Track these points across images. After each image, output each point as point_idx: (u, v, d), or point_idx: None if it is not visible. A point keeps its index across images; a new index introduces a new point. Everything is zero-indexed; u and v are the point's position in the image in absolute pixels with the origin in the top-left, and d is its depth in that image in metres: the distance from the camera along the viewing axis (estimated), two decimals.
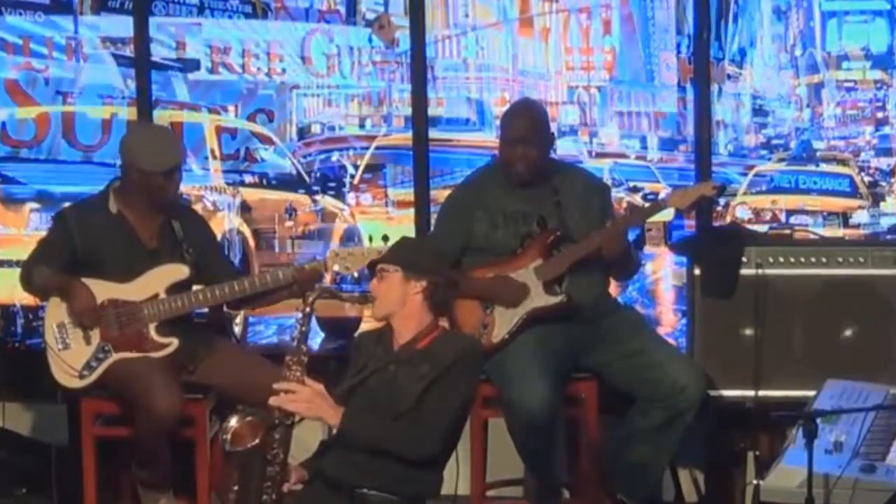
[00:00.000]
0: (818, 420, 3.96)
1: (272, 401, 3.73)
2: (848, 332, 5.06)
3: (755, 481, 4.49)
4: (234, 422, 3.78)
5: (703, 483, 5.26)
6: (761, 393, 5.03)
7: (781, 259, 5.12)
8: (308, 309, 3.86)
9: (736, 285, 5.08)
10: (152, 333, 4.67)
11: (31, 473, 5.35)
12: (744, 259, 5.11)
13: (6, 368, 5.80)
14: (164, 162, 4.68)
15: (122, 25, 7.14)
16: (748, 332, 5.07)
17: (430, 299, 3.81)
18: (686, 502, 5.25)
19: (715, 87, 5.84)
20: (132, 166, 4.70)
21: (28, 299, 5.91)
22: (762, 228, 5.92)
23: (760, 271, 5.09)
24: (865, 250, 5.18)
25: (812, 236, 5.79)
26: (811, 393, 4.64)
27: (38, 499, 5.30)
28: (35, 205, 8.63)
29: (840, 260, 5.13)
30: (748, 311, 5.06)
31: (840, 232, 6.14)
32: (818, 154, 6.88)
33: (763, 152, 6.90)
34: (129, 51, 7.09)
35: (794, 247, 5.30)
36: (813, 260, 5.13)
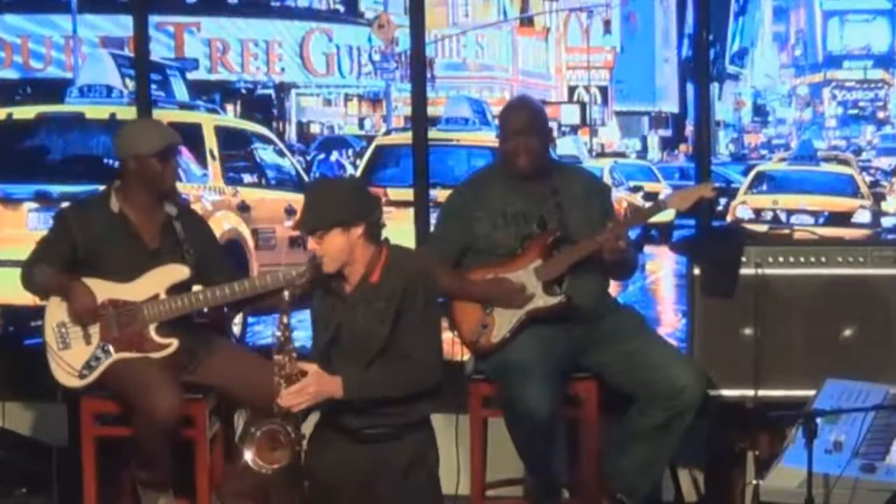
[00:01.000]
0: (818, 420, 3.96)
1: (284, 403, 3.84)
2: (847, 332, 5.07)
3: (755, 481, 4.49)
4: (248, 456, 3.87)
5: (703, 483, 5.27)
6: (761, 393, 5.04)
7: (781, 259, 5.12)
8: (288, 306, 3.94)
9: (736, 285, 5.09)
10: (152, 334, 4.67)
11: (31, 473, 5.34)
12: (743, 259, 5.11)
13: (6, 368, 5.81)
14: (158, 143, 4.70)
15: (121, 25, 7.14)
16: (748, 331, 5.07)
17: (370, 235, 3.97)
18: (686, 502, 5.26)
19: (715, 87, 5.78)
20: (128, 156, 4.72)
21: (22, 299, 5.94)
22: (762, 228, 5.94)
23: (760, 271, 5.09)
24: (865, 250, 5.16)
25: (812, 236, 5.77)
26: (811, 393, 4.65)
27: (37, 498, 5.29)
28: (33, 204, 8.68)
29: (840, 260, 5.13)
30: (748, 310, 5.07)
31: (841, 232, 6.17)
32: (819, 153, 6.82)
33: (763, 152, 6.86)
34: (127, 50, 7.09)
35: (794, 247, 5.28)
36: (812, 260, 5.13)
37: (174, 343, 4.68)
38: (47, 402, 5.24)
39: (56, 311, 4.71)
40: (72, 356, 4.68)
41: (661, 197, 4.96)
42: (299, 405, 3.86)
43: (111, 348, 4.67)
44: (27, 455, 5.41)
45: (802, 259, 5.13)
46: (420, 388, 3.97)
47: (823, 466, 4.05)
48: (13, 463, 5.39)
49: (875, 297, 5.09)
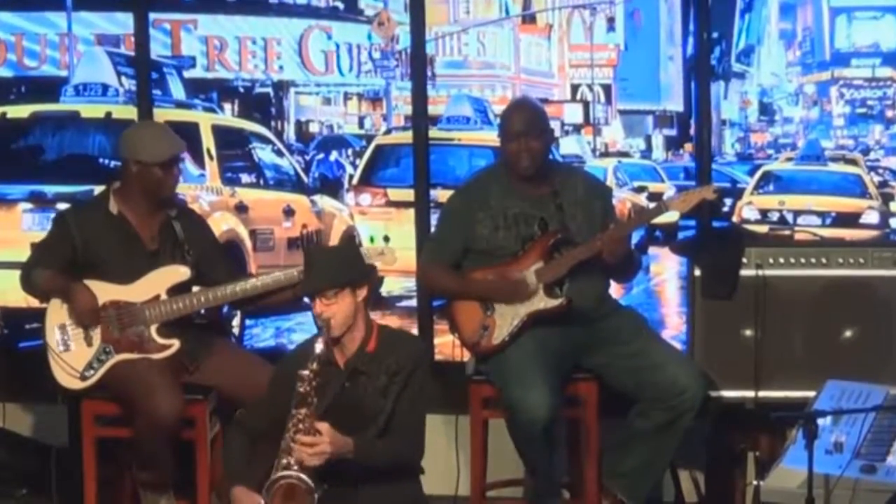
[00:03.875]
0: (818, 420, 4.01)
1: (306, 461, 3.91)
2: (848, 333, 5.13)
3: (755, 482, 4.56)
4: None
5: (704, 484, 5.31)
6: (761, 394, 5.10)
7: (782, 260, 5.17)
8: (313, 374, 3.98)
9: (736, 286, 5.15)
10: (153, 335, 4.74)
11: (32, 474, 5.41)
12: (744, 260, 5.17)
13: (6, 369, 5.86)
14: (163, 152, 4.75)
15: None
16: (748, 332, 5.13)
17: (369, 301, 4.10)
18: (686, 503, 5.31)
19: (721, 85, 5.83)
20: (131, 159, 4.77)
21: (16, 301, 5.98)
22: (763, 229, 6.00)
23: (761, 272, 5.14)
24: (865, 251, 5.21)
25: (812, 237, 5.83)
26: (811, 393, 4.70)
27: (38, 499, 5.35)
28: (28, 205, 8.69)
29: (840, 261, 5.18)
30: (748, 311, 5.12)
31: (849, 233, 6.22)
32: (826, 153, 6.87)
33: (770, 151, 6.91)
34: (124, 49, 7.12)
35: (795, 248, 5.36)
36: (813, 261, 5.18)
37: (175, 344, 4.74)
38: (48, 403, 5.28)
39: (57, 313, 4.77)
40: (73, 358, 4.74)
41: (665, 198, 5.02)
42: (314, 461, 3.93)
43: (112, 349, 4.73)
44: (28, 456, 5.48)
45: (803, 260, 5.18)
46: (408, 461, 4.13)
47: (824, 467, 4.08)
48: (14, 464, 5.46)
49: (876, 298, 5.14)
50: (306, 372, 3.96)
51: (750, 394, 5.12)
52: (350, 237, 3.75)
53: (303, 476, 3.90)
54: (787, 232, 5.96)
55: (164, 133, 4.93)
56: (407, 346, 4.18)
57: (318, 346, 4.00)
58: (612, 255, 4.68)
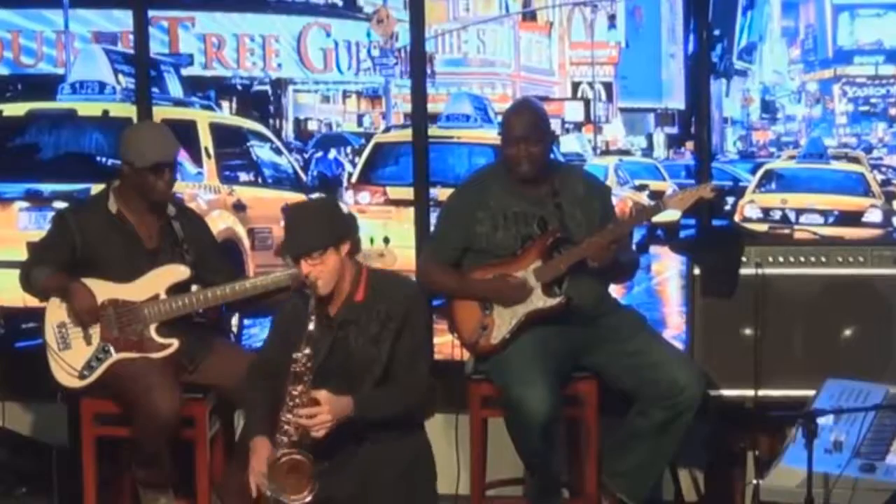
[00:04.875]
0: (818, 419, 4.04)
1: (311, 428, 3.95)
2: (848, 332, 5.15)
3: (755, 481, 4.57)
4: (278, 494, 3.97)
5: (703, 483, 5.34)
6: (761, 392, 5.12)
7: (781, 259, 5.19)
8: (306, 357, 4.00)
9: (736, 285, 5.16)
10: (153, 334, 4.75)
11: (32, 473, 5.42)
12: (743, 259, 5.19)
13: (6, 368, 5.86)
14: (151, 157, 4.74)
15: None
16: (748, 331, 5.15)
17: (353, 253, 4.12)
18: (686, 502, 5.33)
19: (723, 83, 5.83)
20: (124, 161, 4.79)
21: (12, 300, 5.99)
22: (763, 227, 6.01)
23: (760, 271, 5.16)
24: (865, 250, 5.23)
25: (812, 236, 5.85)
26: (811, 392, 4.72)
27: (38, 499, 5.36)
28: (24, 203, 8.69)
29: (840, 259, 5.20)
30: (748, 310, 5.14)
31: (852, 231, 6.24)
32: (829, 151, 6.88)
33: (772, 149, 6.92)
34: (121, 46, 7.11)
35: (794, 246, 5.36)
36: (813, 259, 5.20)
37: (175, 343, 4.76)
38: (47, 402, 5.27)
39: (56, 312, 4.78)
40: (72, 356, 4.76)
41: (663, 197, 5.03)
42: (319, 433, 3.97)
43: (111, 348, 4.74)
44: (27, 455, 5.49)
45: (803, 259, 5.20)
46: (413, 408, 4.15)
47: (823, 466, 4.11)
48: (13, 463, 5.47)
49: (875, 296, 5.16)
50: (299, 354, 3.98)
51: (749, 393, 5.14)
52: (327, 194, 3.73)
53: (304, 454, 3.93)
54: (786, 230, 5.96)
55: (157, 136, 4.90)
56: (398, 291, 4.17)
57: (311, 326, 3.99)
58: (596, 260, 4.70)
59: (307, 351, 3.99)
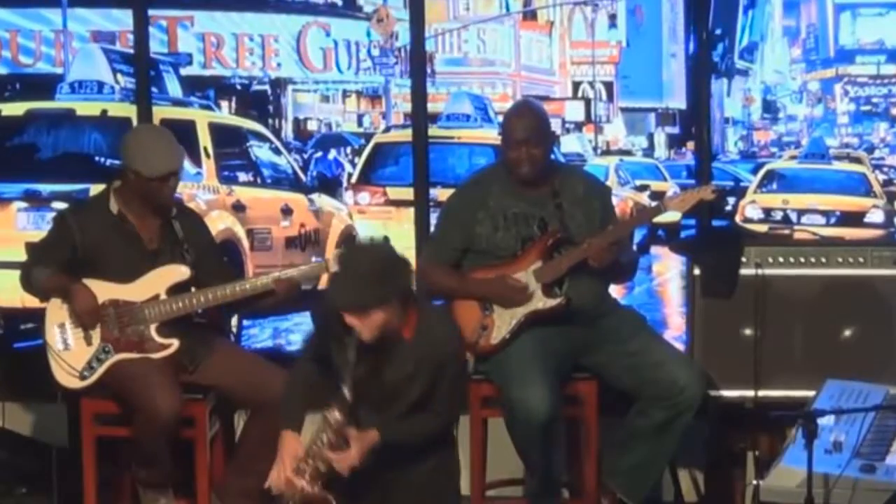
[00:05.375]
0: (818, 420, 4.04)
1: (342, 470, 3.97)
2: (847, 332, 5.18)
3: (755, 481, 4.58)
4: None
5: (703, 483, 5.36)
6: (761, 393, 5.14)
7: (781, 259, 5.22)
8: (339, 423, 3.98)
9: (735, 285, 5.19)
10: (153, 334, 4.76)
11: (31, 473, 5.42)
12: (743, 259, 5.20)
13: (6, 368, 5.88)
14: (160, 167, 4.76)
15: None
16: (748, 332, 5.17)
17: (404, 303, 4.05)
18: (686, 502, 5.34)
19: (724, 83, 5.84)
20: (129, 168, 4.80)
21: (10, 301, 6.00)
22: (763, 228, 6.03)
23: (760, 271, 5.19)
24: (865, 250, 5.25)
25: (812, 236, 5.86)
26: (811, 393, 4.74)
27: (37, 499, 5.36)
28: (22, 204, 8.68)
29: (839, 260, 5.22)
30: (748, 311, 5.16)
31: (854, 232, 6.25)
32: (831, 151, 6.89)
33: (774, 149, 6.94)
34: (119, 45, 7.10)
35: (794, 247, 5.38)
36: (812, 260, 5.23)
37: (175, 343, 4.77)
38: (47, 402, 5.30)
39: (57, 312, 4.79)
40: (73, 357, 4.77)
41: (665, 198, 5.04)
42: (344, 472, 3.97)
43: (112, 349, 4.76)
44: (27, 455, 5.48)
45: (802, 259, 5.23)
46: (444, 431, 4.17)
47: (823, 466, 4.12)
48: (13, 463, 5.47)
49: (875, 297, 5.19)
50: (334, 419, 3.96)
51: (749, 393, 5.17)
52: (385, 242, 3.70)
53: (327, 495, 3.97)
54: (786, 231, 5.98)
55: (165, 146, 4.88)
56: (443, 339, 4.13)
57: (346, 391, 3.95)
58: (597, 261, 4.72)
59: (338, 417, 3.96)
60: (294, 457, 4.05)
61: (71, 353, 4.79)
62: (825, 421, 4.28)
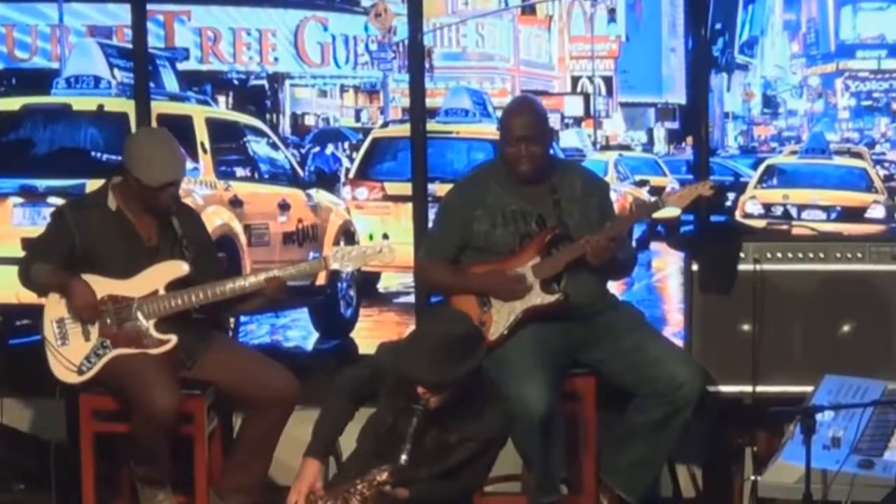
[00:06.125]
0: (816, 416, 4.08)
1: None
2: (846, 328, 5.21)
3: (753, 477, 4.65)
4: None
5: (701, 479, 5.40)
6: (759, 389, 5.18)
7: (779, 255, 5.24)
8: (406, 459, 3.98)
9: (734, 281, 5.22)
10: (151, 330, 4.80)
11: (30, 469, 5.47)
12: (741, 255, 5.24)
13: (4, 364, 5.92)
14: (161, 177, 4.80)
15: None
16: (746, 327, 5.20)
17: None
18: (684, 498, 5.39)
19: (724, 77, 5.85)
20: (130, 174, 4.83)
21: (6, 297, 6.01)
22: (761, 223, 6.04)
23: (758, 267, 5.21)
24: (863, 246, 5.28)
25: (810, 232, 5.89)
26: (809, 388, 4.79)
27: (36, 495, 5.40)
28: (18, 199, 8.69)
29: (838, 256, 5.25)
30: (746, 306, 5.19)
31: (854, 227, 6.26)
32: (831, 146, 6.91)
33: (774, 145, 6.94)
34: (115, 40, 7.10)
35: (792, 242, 5.41)
36: (811, 256, 5.25)
37: (173, 339, 4.81)
38: (45, 398, 5.31)
39: (55, 308, 4.83)
40: (71, 352, 4.81)
41: (664, 194, 5.07)
42: None
43: (110, 344, 4.80)
44: (25, 451, 5.53)
45: (801, 255, 5.26)
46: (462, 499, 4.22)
47: (822, 462, 4.15)
48: (11, 459, 5.52)
49: (873, 292, 5.22)
50: (381, 479, 3.97)
51: (748, 389, 5.20)
52: (469, 329, 3.75)
53: None
54: (784, 227, 5.99)
55: (168, 155, 4.91)
56: (489, 421, 4.14)
57: (403, 457, 3.96)
58: (595, 257, 4.75)
59: (385, 478, 3.97)
60: (310, 487, 4.10)
61: (69, 348, 4.82)
62: (823, 416, 4.32)
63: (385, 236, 10.49)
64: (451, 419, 4.10)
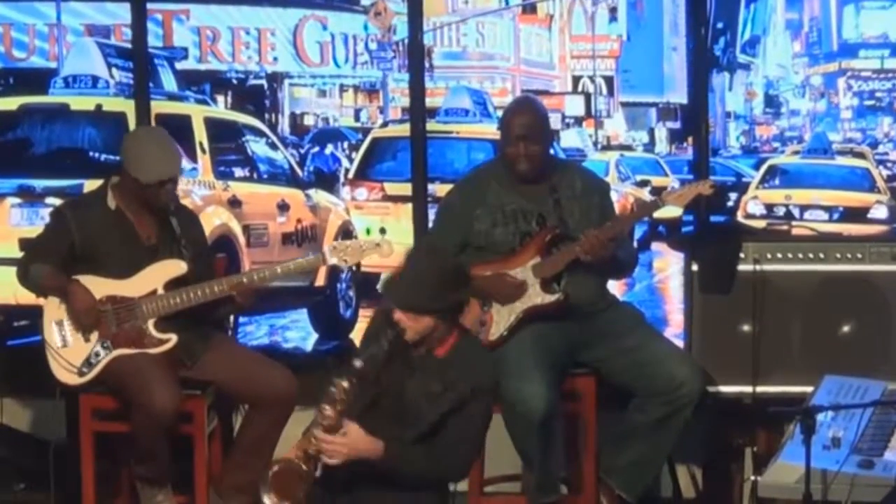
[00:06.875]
0: (816, 416, 4.08)
1: (325, 452, 3.88)
2: (846, 328, 5.23)
3: (753, 477, 4.70)
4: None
5: (701, 479, 5.42)
6: (759, 389, 5.19)
7: (779, 255, 5.26)
8: (348, 388, 3.91)
9: (734, 281, 5.23)
10: (151, 329, 4.82)
11: (30, 470, 5.48)
12: (741, 255, 5.25)
13: (4, 364, 5.93)
14: (157, 174, 4.81)
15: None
16: (746, 327, 5.22)
17: (455, 319, 4.06)
18: (684, 498, 5.40)
19: (726, 77, 5.86)
20: (127, 172, 4.86)
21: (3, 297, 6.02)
22: (761, 224, 6.05)
23: (758, 267, 5.23)
24: (863, 246, 5.30)
25: (810, 232, 5.91)
26: (809, 389, 4.79)
27: (36, 495, 5.41)
28: (16, 199, 8.71)
29: (838, 256, 5.27)
30: (746, 307, 5.21)
31: (857, 228, 6.28)
32: (834, 146, 6.92)
33: (776, 144, 6.96)
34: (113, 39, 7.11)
35: (792, 243, 5.42)
36: (811, 256, 5.27)
37: (173, 338, 4.83)
38: (46, 398, 5.32)
39: (55, 310, 4.86)
40: (71, 353, 4.83)
41: (663, 193, 5.10)
42: (332, 458, 3.89)
43: (110, 345, 4.82)
44: (26, 451, 5.56)
45: (801, 255, 5.27)
46: (447, 479, 4.11)
47: (821, 462, 4.17)
48: (12, 459, 5.53)
49: (873, 293, 5.24)
50: (345, 384, 3.90)
51: (748, 389, 5.21)
52: (456, 262, 3.70)
53: (295, 461, 3.89)
54: (784, 227, 6.01)
55: (164, 152, 4.93)
56: (475, 371, 4.05)
57: (357, 363, 3.92)
58: (595, 256, 4.76)
59: (346, 385, 3.90)
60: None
61: (69, 350, 4.84)
62: (823, 417, 4.33)
63: (382, 231, 10.49)
64: (432, 367, 4.02)
